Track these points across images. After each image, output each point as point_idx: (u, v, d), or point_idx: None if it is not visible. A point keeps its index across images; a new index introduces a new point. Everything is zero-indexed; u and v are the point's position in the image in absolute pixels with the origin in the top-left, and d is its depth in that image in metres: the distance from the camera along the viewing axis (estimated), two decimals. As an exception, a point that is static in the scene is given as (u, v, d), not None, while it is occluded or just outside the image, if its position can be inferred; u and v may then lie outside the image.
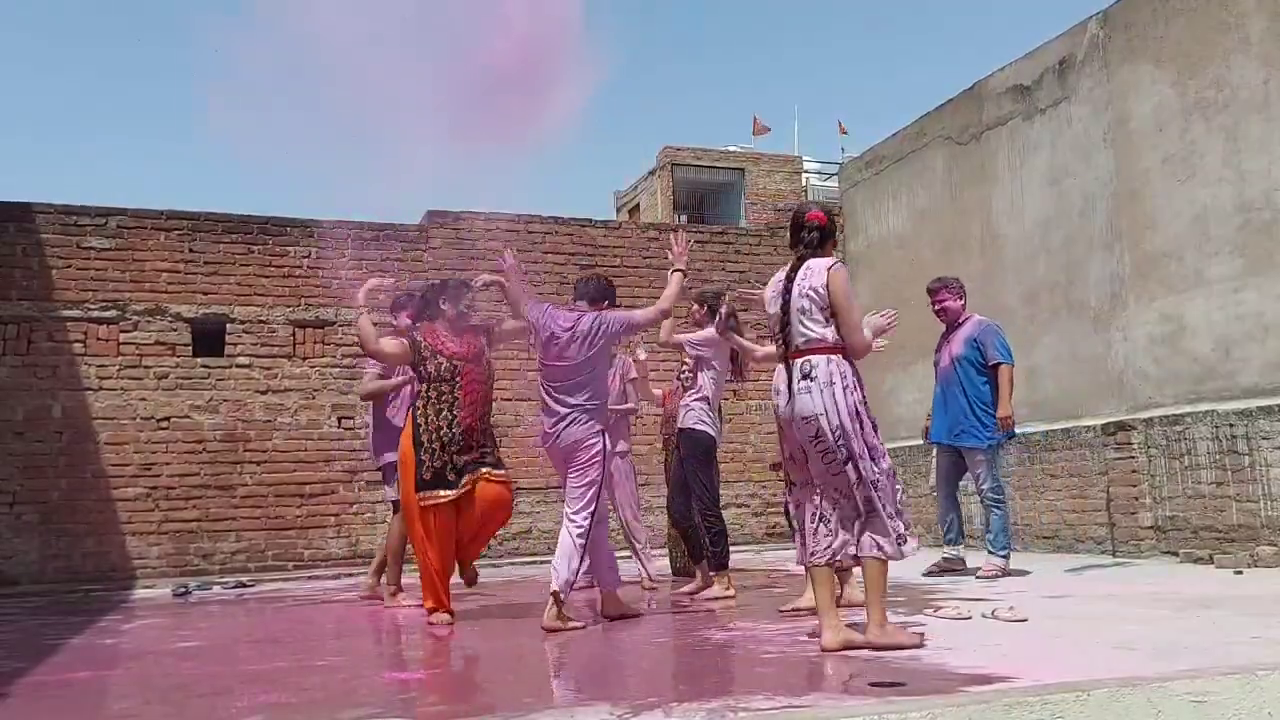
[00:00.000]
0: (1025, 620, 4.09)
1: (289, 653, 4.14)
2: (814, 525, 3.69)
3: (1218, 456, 6.44)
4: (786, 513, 5.74)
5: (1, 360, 8.17)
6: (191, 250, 8.76)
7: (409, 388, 5.79)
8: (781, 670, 3.25)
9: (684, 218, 23.56)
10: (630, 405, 6.49)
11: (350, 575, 8.43)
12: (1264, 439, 6.14)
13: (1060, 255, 7.91)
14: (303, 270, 9.05)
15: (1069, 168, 7.84)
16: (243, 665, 3.86)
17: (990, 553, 6.15)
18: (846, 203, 10.77)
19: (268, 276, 8.95)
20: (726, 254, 10.41)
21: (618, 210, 26.36)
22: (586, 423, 4.73)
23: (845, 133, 37.78)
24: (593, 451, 4.70)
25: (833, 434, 3.60)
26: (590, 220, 10.18)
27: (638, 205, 25.25)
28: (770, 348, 4.47)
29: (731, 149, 25.88)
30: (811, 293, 3.69)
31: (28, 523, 8.07)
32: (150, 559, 8.34)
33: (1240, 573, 5.80)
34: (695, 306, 5.83)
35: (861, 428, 3.63)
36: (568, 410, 4.73)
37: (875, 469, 3.62)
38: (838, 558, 3.67)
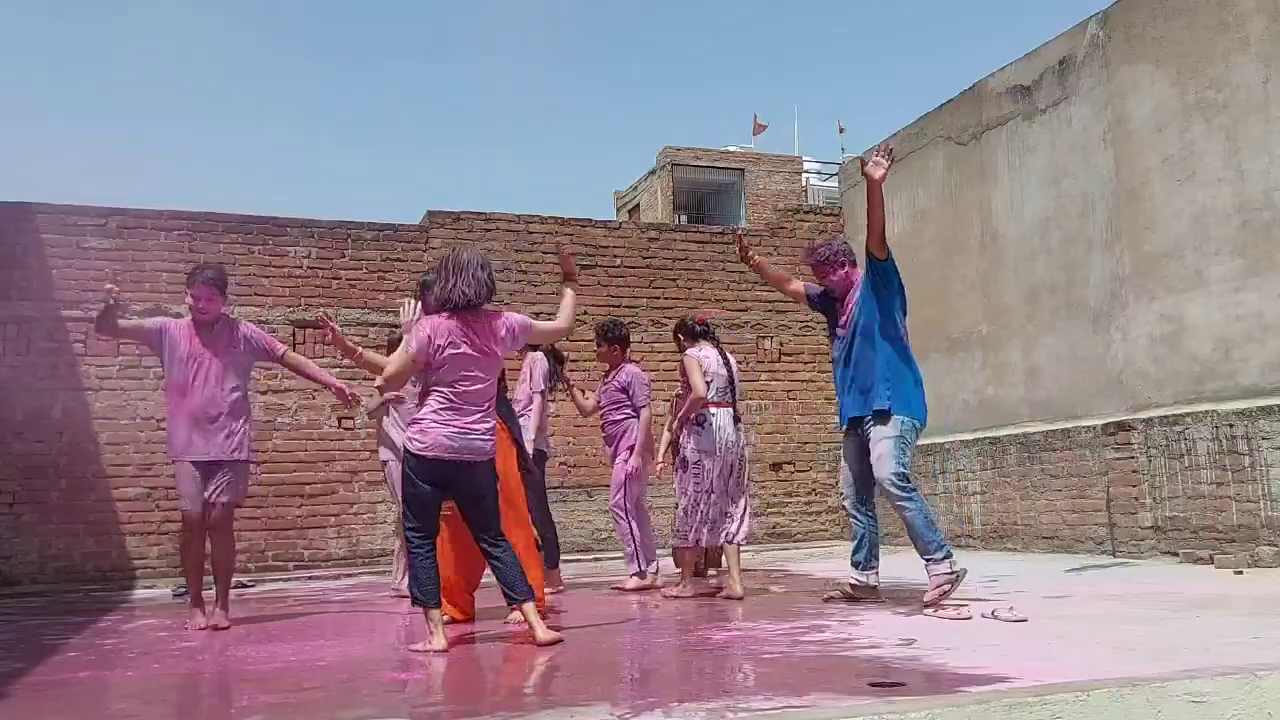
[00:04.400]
0: (1025, 620, 4.09)
1: (289, 652, 4.14)
2: (721, 519, 5.72)
3: (1218, 456, 6.44)
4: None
5: (1, 360, 8.16)
6: (191, 250, 8.75)
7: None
8: (781, 670, 3.25)
9: (684, 218, 23.59)
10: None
11: (350, 576, 8.44)
12: (1264, 439, 6.14)
13: (1060, 255, 7.91)
14: (303, 270, 9.06)
15: (1069, 168, 7.85)
16: (243, 665, 3.86)
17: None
18: (846, 203, 10.77)
19: (268, 276, 8.95)
20: (726, 254, 10.39)
21: (618, 210, 26.38)
22: None
23: (844, 132, 37.80)
24: None
25: (744, 459, 5.87)
26: (590, 220, 10.18)
27: (638, 205, 25.28)
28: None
29: (731, 149, 25.92)
30: (736, 370, 6.01)
31: (28, 523, 8.07)
32: (150, 559, 8.34)
33: (1240, 573, 5.81)
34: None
35: None
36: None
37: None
38: (736, 539, 5.71)
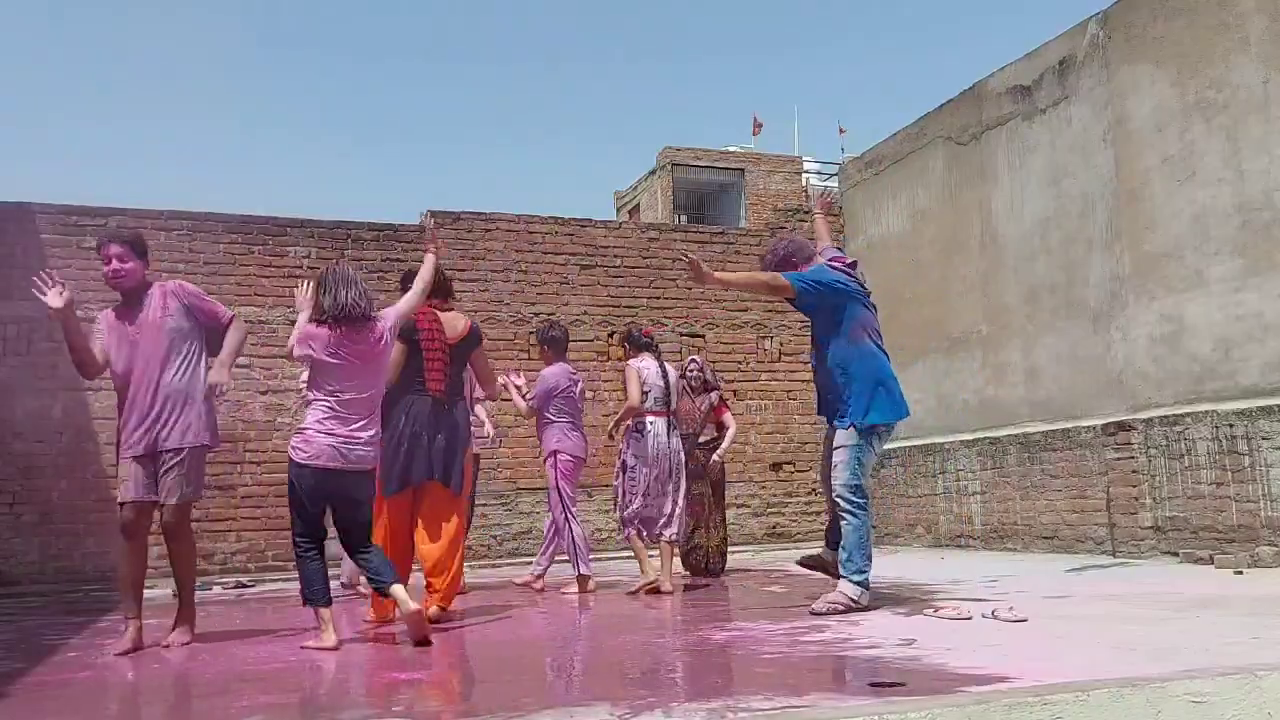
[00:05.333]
0: (1025, 620, 4.09)
1: (289, 652, 4.14)
2: (658, 518, 6.07)
3: (1218, 456, 6.44)
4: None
5: (1, 360, 8.16)
6: (191, 250, 8.76)
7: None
8: (781, 670, 3.25)
9: (684, 218, 23.57)
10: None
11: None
12: (1264, 439, 6.14)
13: (1060, 255, 7.91)
14: (303, 270, 9.05)
15: (1068, 168, 7.85)
16: (243, 665, 3.86)
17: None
18: (846, 203, 10.77)
19: (268, 276, 8.95)
20: (727, 254, 10.41)
21: (618, 210, 26.36)
22: None
23: (845, 133, 37.83)
24: None
25: (679, 463, 6.16)
26: (590, 220, 10.18)
27: (638, 205, 25.25)
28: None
29: (731, 149, 25.90)
30: (675, 381, 6.33)
31: (28, 523, 8.07)
32: (150, 559, 8.27)
33: (1240, 573, 5.81)
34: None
35: None
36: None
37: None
38: (669, 537, 6.09)
